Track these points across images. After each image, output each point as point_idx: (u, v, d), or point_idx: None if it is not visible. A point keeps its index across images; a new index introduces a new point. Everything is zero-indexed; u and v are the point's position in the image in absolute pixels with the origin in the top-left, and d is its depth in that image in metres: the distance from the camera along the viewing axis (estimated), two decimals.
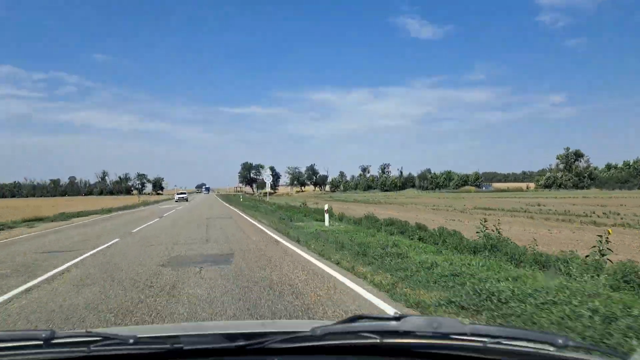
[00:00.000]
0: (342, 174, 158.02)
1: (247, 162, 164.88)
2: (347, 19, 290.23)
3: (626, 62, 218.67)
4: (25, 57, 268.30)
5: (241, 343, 1.22)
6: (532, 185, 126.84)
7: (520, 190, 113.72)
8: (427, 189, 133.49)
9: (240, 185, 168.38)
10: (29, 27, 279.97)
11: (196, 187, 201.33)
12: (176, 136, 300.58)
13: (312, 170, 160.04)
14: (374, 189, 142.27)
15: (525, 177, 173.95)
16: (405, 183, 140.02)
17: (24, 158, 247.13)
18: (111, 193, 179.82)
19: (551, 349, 1.13)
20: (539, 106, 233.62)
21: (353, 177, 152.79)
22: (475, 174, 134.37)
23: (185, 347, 1.19)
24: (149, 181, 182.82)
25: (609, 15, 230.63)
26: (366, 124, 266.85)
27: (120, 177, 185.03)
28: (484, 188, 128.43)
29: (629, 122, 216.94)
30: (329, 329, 1.20)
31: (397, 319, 1.17)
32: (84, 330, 1.30)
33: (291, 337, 1.21)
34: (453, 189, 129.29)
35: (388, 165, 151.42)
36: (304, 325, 1.30)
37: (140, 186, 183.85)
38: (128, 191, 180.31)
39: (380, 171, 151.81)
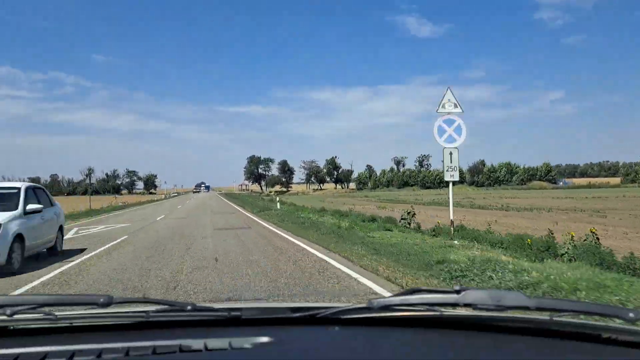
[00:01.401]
0: (370, 169, 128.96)
1: (254, 156, 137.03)
2: (346, 18, 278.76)
3: None
4: (23, 58, 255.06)
5: (301, 314, 1.21)
6: (612, 180, 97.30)
7: (608, 186, 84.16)
8: (481, 184, 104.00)
9: (247, 183, 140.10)
10: (27, 28, 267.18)
11: (195, 186, 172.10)
12: (176, 136, 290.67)
13: (332, 165, 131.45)
14: (412, 185, 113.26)
15: (601, 170, 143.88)
16: None
17: (22, 159, 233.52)
18: (97, 192, 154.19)
19: (620, 322, 1.04)
20: (538, 103, 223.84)
21: (384, 171, 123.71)
22: (546, 165, 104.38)
23: (244, 316, 1.19)
24: (139, 179, 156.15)
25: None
26: (366, 122, 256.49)
27: (107, 175, 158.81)
28: (561, 183, 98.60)
29: None
30: (387, 302, 1.17)
31: (457, 292, 1.11)
32: (142, 296, 1.24)
33: (350, 309, 1.19)
34: (517, 184, 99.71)
35: (427, 156, 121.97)
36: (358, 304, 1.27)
37: (130, 184, 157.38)
38: (117, 190, 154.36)
39: (417, 164, 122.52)
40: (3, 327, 1.10)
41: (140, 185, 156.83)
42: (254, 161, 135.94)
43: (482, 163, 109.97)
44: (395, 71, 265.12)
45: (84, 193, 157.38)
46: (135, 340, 1.04)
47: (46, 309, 1.12)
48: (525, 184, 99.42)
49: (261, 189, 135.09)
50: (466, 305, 1.08)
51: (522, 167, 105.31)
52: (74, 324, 1.14)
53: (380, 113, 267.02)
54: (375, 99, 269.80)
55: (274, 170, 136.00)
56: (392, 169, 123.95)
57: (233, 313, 1.18)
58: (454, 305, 1.12)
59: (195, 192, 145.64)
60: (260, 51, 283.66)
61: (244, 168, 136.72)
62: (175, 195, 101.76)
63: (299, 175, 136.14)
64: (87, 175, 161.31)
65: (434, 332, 1.17)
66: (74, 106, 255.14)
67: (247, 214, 25.73)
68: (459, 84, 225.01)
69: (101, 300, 1.08)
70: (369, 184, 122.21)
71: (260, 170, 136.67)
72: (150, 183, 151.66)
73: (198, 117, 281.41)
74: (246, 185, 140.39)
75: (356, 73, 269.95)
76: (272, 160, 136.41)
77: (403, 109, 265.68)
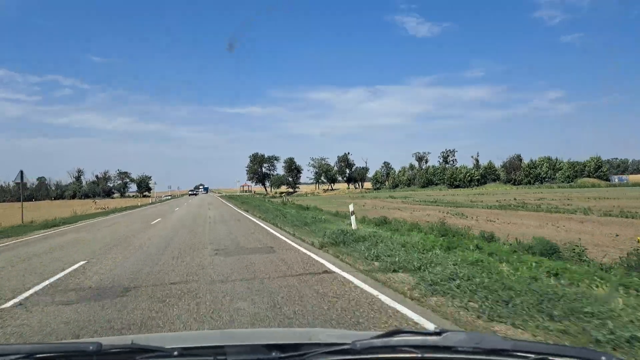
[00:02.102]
0: (387, 166, 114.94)
1: (257, 153, 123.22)
2: (345, 18, 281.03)
3: None
4: (21, 60, 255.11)
5: (282, 355, 1.23)
6: None
7: None
8: (519, 182, 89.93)
9: (249, 183, 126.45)
10: (25, 30, 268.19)
11: (192, 189, 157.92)
12: (174, 137, 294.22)
13: (345, 162, 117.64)
14: (437, 184, 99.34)
15: None
16: (484, 175, 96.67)
17: (20, 161, 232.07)
18: (86, 196, 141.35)
19: None
20: (537, 103, 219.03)
21: (403, 169, 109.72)
22: (595, 160, 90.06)
23: (229, 359, 1.21)
24: (132, 180, 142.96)
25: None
26: (365, 122, 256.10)
27: (97, 176, 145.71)
28: (616, 180, 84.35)
29: None
30: (370, 344, 1.19)
31: (437, 334, 1.16)
32: (129, 342, 1.29)
33: (332, 350, 1.21)
34: (563, 181, 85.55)
35: (453, 151, 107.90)
36: (344, 337, 1.30)
37: (122, 187, 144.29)
38: (108, 193, 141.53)
39: (441, 160, 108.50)
40: None
41: (134, 187, 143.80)
42: (257, 159, 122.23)
43: (519, 158, 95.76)
44: (394, 71, 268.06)
45: (73, 197, 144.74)
46: None
47: (34, 358, 1.09)
48: (572, 181, 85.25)
49: (265, 190, 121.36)
50: (446, 347, 1.11)
51: (566, 162, 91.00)
52: None
53: (378, 113, 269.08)
54: (375, 99, 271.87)
55: (280, 170, 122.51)
56: (412, 166, 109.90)
57: (218, 357, 1.20)
58: (434, 347, 1.14)
59: (192, 194, 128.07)
60: (258, 52, 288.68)
61: (247, 167, 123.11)
62: (168, 199, 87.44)
63: (306, 174, 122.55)
64: (76, 178, 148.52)
65: None
66: (71, 108, 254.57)
67: (267, 228, 16.74)
68: (458, 84, 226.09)
69: (90, 347, 1.08)
70: (387, 183, 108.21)
71: (264, 170, 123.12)
72: (143, 185, 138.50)
73: (197, 119, 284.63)
74: (249, 187, 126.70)
75: (355, 73, 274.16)
76: (277, 159, 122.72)
77: (402, 109, 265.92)
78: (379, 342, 1.19)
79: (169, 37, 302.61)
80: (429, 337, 1.16)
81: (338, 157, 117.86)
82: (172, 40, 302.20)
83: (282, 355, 1.21)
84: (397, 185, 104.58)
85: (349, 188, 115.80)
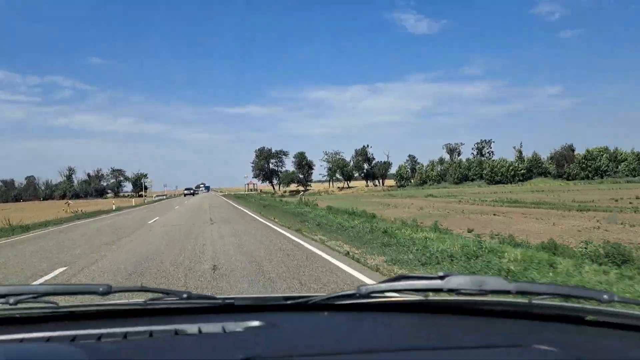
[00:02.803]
0: (412, 160, 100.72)
1: (263, 148, 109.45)
2: (343, 16, 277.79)
3: None
4: (21, 62, 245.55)
5: (292, 301, 1.28)
6: None
7: None
8: (573, 177, 75.65)
9: (255, 181, 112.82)
10: (23, 32, 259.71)
11: (196, 187, 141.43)
12: (175, 137, 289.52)
13: (363, 156, 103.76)
14: (473, 179, 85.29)
15: None
16: (529, 169, 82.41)
17: (21, 161, 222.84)
18: (77, 196, 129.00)
19: (595, 304, 1.12)
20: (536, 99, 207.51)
21: (432, 163, 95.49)
22: None
23: (237, 303, 1.25)
24: (127, 179, 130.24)
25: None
26: (365, 120, 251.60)
27: (89, 175, 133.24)
28: None
29: None
30: (375, 287, 1.22)
31: (441, 277, 1.16)
32: (139, 285, 1.32)
33: (339, 295, 1.24)
34: (627, 175, 71.22)
35: (489, 142, 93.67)
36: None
37: (116, 185, 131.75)
38: (101, 193, 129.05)
39: (476, 153, 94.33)
40: (8, 314, 1.14)
41: (130, 186, 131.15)
42: (263, 154, 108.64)
43: (571, 148, 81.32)
44: (393, 68, 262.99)
45: (62, 197, 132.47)
46: (133, 326, 1.10)
47: (48, 297, 1.16)
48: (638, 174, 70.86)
49: (273, 188, 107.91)
50: (450, 290, 1.12)
51: (630, 152, 76.47)
52: (75, 312, 1.19)
53: (379, 110, 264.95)
54: (374, 97, 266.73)
55: (289, 166, 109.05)
56: (441, 160, 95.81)
57: (227, 301, 1.23)
58: (439, 290, 1.14)
59: (188, 194, 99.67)
60: (257, 51, 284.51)
61: (252, 163, 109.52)
62: (160, 199, 73.86)
63: (318, 170, 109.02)
64: (67, 177, 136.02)
65: (419, 316, 1.21)
66: (72, 109, 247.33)
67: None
68: (457, 80, 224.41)
69: (100, 289, 1.13)
70: (412, 180, 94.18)
71: (271, 166, 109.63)
72: (139, 183, 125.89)
73: (197, 119, 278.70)
74: (254, 184, 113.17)
75: (354, 71, 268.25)
76: (285, 153, 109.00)
77: (402, 106, 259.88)
78: (384, 286, 1.20)
79: (168, 38, 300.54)
80: (432, 281, 1.15)
81: (355, 150, 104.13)
82: (170, 42, 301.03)
83: (289, 301, 1.25)
84: (424, 182, 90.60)
85: (367, 185, 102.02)
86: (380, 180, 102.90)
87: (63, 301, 1.17)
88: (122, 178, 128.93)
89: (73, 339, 1.01)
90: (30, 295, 1.13)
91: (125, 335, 1.03)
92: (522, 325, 1.13)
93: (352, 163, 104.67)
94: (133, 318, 1.18)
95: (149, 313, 1.20)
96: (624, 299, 1.12)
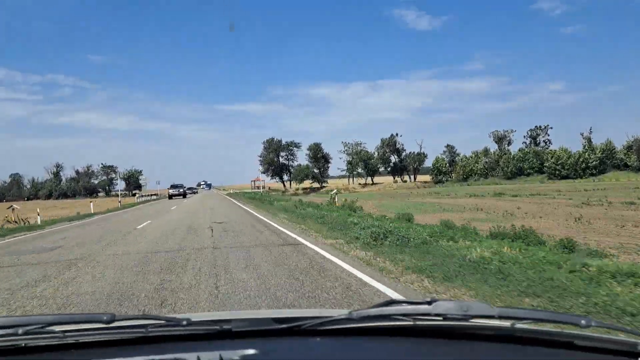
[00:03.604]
0: (451, 150, 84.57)
1: (272, 139, 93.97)
2: (343, 12, 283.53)
3: None
4: (21, 60, 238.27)
5: (286, 325, 1.31)
6: None
7: None
8: None
9: (262, 177, 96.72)
10: (23, 30, 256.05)
11: (196, 186, 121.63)
12: (176, 135, 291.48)
13: (391, 147, 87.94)
14: (529, 173, 69.26)
15: None
16: (602, 161, 66.18)
17: (20, 161, 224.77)
18: (65, 195, 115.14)
19: (575, 329, 1.18)
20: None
21: (476, 154, 79.44)
22: None
23: (234, 329, 1.29)
24: (120, 176, 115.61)
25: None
26: (366, 117, 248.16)
27: (77, 172, 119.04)
28: None
29: None
30: (366, 313, 1.26)
31: (428, 303, 1.22)
32: (141, 314, 1.39)
33: (331, 320, 1.28)
34: None
35: (545, 129, 77.49)
36: (340, 313, 1.37)
37: (107, 183, 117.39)
38: (92, 191, 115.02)
39: (528, 142, 78.11)
40: (17, 345, 1.17)
41: (122, 184, 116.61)
42: (272, 146, 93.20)
43: None
44: (394, 65, 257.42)
45: (49, 196, 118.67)
46: (135, 355, 1.13)
47: (54, 327, 1.20)
48: None
49: (284, 185, 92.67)
50: (437, 315, 1.19)
51: None
52: (80, 341, 1.22)
53: (380, 107, 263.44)
54: (375, 94, 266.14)
55: (301, 160, 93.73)
56: (486, 151, 79.75)
57: (224, 326, 1.28)
58: (426, 315, 1.21)
59: (176, 195, 55.02)
60: (257, 49, 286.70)
61: (260, 157, 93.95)
62: (154, 199, 57.90)
63: (336, 164, 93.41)
64: (54, 174, 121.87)
65: (408, 340, 1.26)
66: (73, 107, 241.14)
67: None
68: (459, 76, 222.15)
69: (104, 317, 1.18)
70: (453, 175, 78.22)
71: (281, 160, 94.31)
72: (132, 181, 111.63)
73: (197, 116, 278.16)
74: (262, 181, 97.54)
75: (355, 68, 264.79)
76: (297, 145, 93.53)
77: (403, 102, 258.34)
78: (374, 311, 1.25)
79: (168, 36, 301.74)
80: (420, 306, 1.22)
81: (382, 140, 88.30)
82: (171, 39, 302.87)
83: (283, 325, 1.29)
84: (468, 177, 74.70)
85: (396, 181, 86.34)
86: (412, 176, 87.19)
87: (70, 328, 1.23)
88: (113, 175, 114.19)
89: None
90: (38, 326, 1.17)
91: None
92: (507, 349, 1.18)
93: (376, 155, 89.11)
94: (135, 346, 1.21)
95: (151, 341, 1.22)
96: (601, 324, 1.19)
